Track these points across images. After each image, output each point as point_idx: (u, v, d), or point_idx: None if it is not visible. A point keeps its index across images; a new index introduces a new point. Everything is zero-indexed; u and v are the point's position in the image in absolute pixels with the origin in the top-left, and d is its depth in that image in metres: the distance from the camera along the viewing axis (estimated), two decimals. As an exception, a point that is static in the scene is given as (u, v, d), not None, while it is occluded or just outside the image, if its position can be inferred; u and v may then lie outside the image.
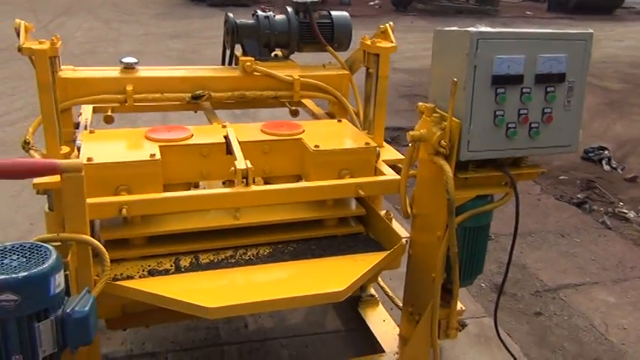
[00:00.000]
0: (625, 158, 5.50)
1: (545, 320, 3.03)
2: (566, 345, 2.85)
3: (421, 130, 2.08)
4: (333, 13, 2.95)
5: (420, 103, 2.15)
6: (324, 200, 2.33)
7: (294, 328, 2.81)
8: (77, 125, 2.60)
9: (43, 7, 13.32)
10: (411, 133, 2.11)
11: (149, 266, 2.07)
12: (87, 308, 1.54)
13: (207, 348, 2.66)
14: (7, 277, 1.41)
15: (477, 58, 1.93)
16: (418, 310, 2.35)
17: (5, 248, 1.53)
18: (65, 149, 2.32)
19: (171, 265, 2.09)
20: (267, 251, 2.21)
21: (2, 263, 1.47)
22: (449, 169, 2.00)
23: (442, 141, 2.01)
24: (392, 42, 2.60)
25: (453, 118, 1.98)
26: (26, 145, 2.35)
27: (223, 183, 2.41)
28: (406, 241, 2.28)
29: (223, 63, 3.05)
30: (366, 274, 2.04)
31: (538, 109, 2.05)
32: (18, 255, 1.51)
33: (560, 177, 4.95)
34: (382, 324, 2.68)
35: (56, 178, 1.98)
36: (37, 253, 1.52)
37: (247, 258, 2.17)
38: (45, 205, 2.29)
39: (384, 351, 2.48)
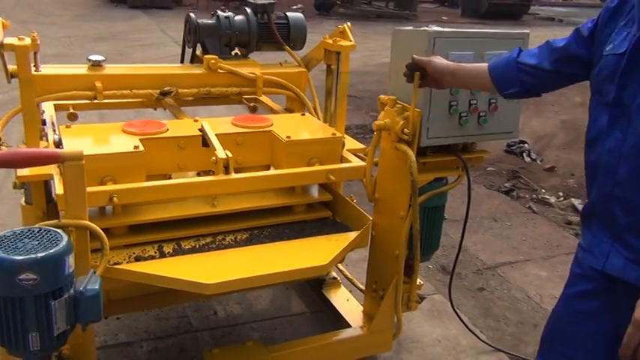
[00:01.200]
0: (542, 151, 6.01)
1: (488, 294, 3.34)
2: (508, 314, 3.16)
3: (385, 120, 2.30)
4: (289, 14, 3.13)
5: (382, 96, 2.36)
6: (294, 188, 2.50)
7: (262, 313, 2.96)
8: (43, 122, 2.62)
9: (-50, 7, 12.63)
10: (376, 122, 2.32)
11: (134, 253, 2.15)
12: (97, 287, 1.64)
13: (181, 335, 2.75)
14: (27, 257, 1.49)
15: (435, 54, 2.17)
16: (382, 286, 2.56)
17: (16, 233, 1.59)
18: (43, 144, 2.35)
19: (155, 252, 2.18)
20: (245, 236, 2.34)
21: (17, 246, 1.54)
22: (412, 154, 2.22)
23: (405, 129, 2.23)
24: (351, 40, 2.81)
25: (415, 108, 2.21)
26: (-3, 142, 2.37)
27: (198, 174, 2.52)
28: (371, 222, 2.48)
29: (182, 61, 3.15)
30: (344, 250, 2.23)
31: (485, 100, 2.30)
32: (30, 238, 1.58)
33: (488, 168, 5.37)
34: (346, 303, 2.87)
35: (41, 170, 2.07)
36: (47, 237, 1.59)
37: (227, 243, 2.29)
38: (21, 199, 2.32)
39: (350, 326, 2.67)
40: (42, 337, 1.55)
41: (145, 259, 2.14)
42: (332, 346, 2.52)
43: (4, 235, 1.57)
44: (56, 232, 1.61)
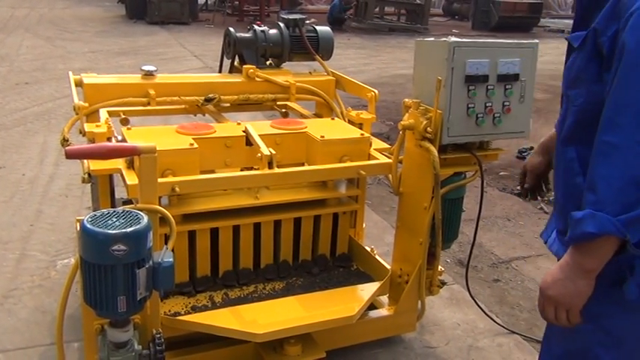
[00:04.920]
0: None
1: (503, 285, 3.60)
2: (522, 302, 3.41)
3: (410, 120, 2.58)
4: (318, 27, 3.44)
5: (406, 100, 2.65)
6: (326, 184, 2.79)
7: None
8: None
9: (-23, 25, 13.12)
10: (401, 122, 2.60)
11: (190, 303, 2.53)
12: (171, 259, 1.93)
13: None
14: (119, 231, 1.78)
15: (454, 62, 2.44)
16: (406, 272, 2.83)
17: (104, 213, 1.88)
18: (108, 143, 2.65)
19: (207, 302, 2.56)
20: (282, 286, 2.72)
21: (107, 223, 1.83)
22: (435, 150, 2.49)
23: (428, 128, 2.51)
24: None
25: (437, 110, 2.48)
26: (65, 142, 2.67)
27: (241, 170, 2.81)
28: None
29: (220, 71, 3.47)
30: (368, 300, 2.60)
31: (499, 102, 2.56)
32: (116, 218, 1.87)
33: (501, 173, 5.63)
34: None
35: (110, 164, 2.36)
36: (130, 216, 1.88)
37: (267, 292, 2.67)
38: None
39: (376, 308, 2.93)
40: (128, 300, 1.83)
41: (200, 309, 2.49)
42: (361, 325, 2.78)
43: (95, 215, 1.86)
44: (137, 212, 1.90)
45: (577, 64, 1.62)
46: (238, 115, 3.96)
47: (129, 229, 1.79)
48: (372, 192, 4.78)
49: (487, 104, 2.54)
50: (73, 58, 10.20)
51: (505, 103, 2.58)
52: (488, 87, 2.52)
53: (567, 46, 1.72)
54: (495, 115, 2.57)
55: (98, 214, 1.88)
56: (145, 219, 1.87)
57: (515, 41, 2.61)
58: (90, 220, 1.82)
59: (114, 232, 1.77)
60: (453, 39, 2.49)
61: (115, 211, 1.90)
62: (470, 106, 2.50)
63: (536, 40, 2.62)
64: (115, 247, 1.77)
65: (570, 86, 1.66)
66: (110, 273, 1.79)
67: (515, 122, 2.65)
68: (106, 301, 1.82)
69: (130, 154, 2.05)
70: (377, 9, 17.43)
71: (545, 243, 1.86)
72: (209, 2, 18.75)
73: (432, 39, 2.61)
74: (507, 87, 2.56)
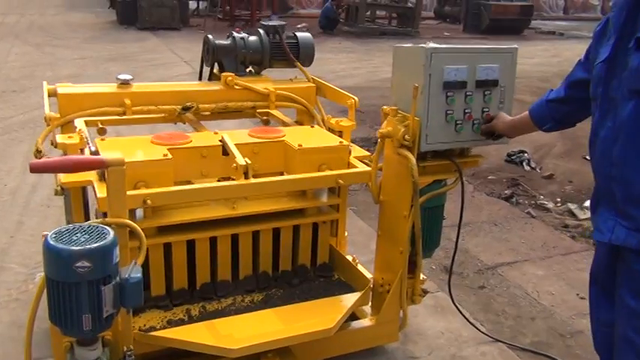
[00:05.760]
0: (542, 160, 6.24)
1: (488, 292, 3.56)
2: (507, 309, 3.37)
3: (388, 128, 2.54)
4: (298, 34, 3.40)
5: (384, 107, 2.61)
6: (305, 193, 2.75)
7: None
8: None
9: (-35, 32, 13.05)
10: (379, 130, 2.57)
11: (166, 317, 2.47)
12: (139, 275, 1.88)
13: None
14: (83, 247, 1.73)
15: (431, 68, 2.41)
16: (388, 281, 2.79)
17: (69, 229, 1.84)
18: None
19: (184, 315, 2.50)
20: (261, 298, 2.67)
21: (72, 239, 1.78)
22: (413, 158, 2.46)
23: (406, 136, 2.47)
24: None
25: (415, 117, 2.45)
26: (38, 154, 2.63)
27: (218, 181, 2.77)
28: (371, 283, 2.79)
29: (200, 78, 3.43)
30: (347, 312, 2.56)
31: (479, 109, 2.53)
32: (82, 233, 1.82)
33: (489, 177, 5.60)
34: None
35: (82, 176, 2.31)
36: (96, 232, 1.84)
37: (245, 305, 2.62)
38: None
39: (358, 318, 2.89)
40: (93, 318, 1.79)
41: (176, 322, 2.44)
42: (341, 337, 2.74)
43: (60, 231, 1.82)
44: (104, 227, 1.86)
45: None
46: (224, 123, 3.93)
47: (93, 245, 1.75)
48: (358, 198, 4.75)
49: (466, 111, 2.52)
50: (62, 65, 10.14)
51: (484, 110, 2.55)
52: (467, 93, 2.49)
53: (637, 44, 1.75)
54: (475, 121, 2.55)
55: (63, 230, 1.83)
56: (111, 234, 1.83)
57: (494, 46, 2.58)
58: (54, 236, 1.78)
59: (77, 248, 1.73)
60: (431, 45, 2.47)
61: (81, 226, 1.86)
62: (448, 112, 2.48)
63: (515, 46, 2.58)
64: (79, 264, 1.72)
65: None
66: (74, 291, 1.75)
67: (496, 128, 2.62)
68: (70, 320, 1.78)
69: (97, 166, 2.01)
70: (368, 13, 17.43)
71: (609, 241, 1.88)
72: (200, 7, 18.71)
73: (410, 45, 2.58)
74: (486, 93, 2.54)
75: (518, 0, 18.94)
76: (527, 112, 2.37)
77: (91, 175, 2.33)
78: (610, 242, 1.88)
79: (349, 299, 2.68)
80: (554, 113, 2.25)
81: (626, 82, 1.78)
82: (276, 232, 2.75)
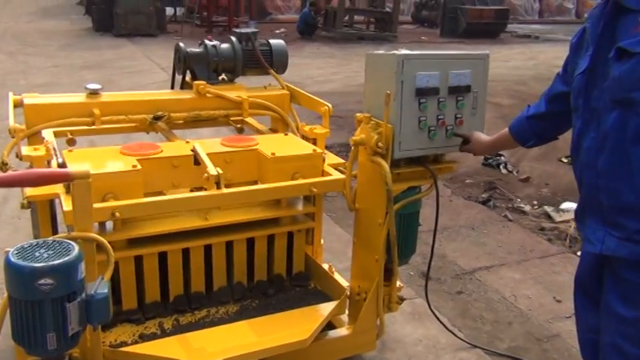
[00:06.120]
0: (518, 163, 6.28)
1: (466, 297, 3.55)
2: (485, 314, 3.37)
3: (361, 136, 2.52)
4: (271, 41, 3.37)
5: (357, 114, 2.59)
6: (280, 201, 2.72)
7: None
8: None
9: (-63, 40, 12.80)
10: (352, 138, 2.55)
11: (138, 331, 2.41)
12: (106, 290, 1.83)
13: None
14: (46, 264, 1.68)
15: (403, 75, 2.39)
16: (364, 289, 2.76)
17: (32, 244, 1.78)
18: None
19: (156, 329, 2.44)
20: (236, 309, 2.63)
21: (34, 255, 1.73)
22: (386, 166, 2.44)
23: (379, 143, 2.45)
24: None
25: (387, 124, 2.43)
26: (4, 166, 2.56)
27: (190, 191, 2.72)
28: (348, 291, 2.76)
29: (172, 87, 3.38)
30: (322, 322, 2.54)
31: (452, 115, 2.52)
32: (45, 249, 1.77)
33: (467, 181, 5.62)
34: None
35: (48, 190, 2.25)
36: (60, 247, 1.78)
37: (220, 316, 2.57)
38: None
39: (335, 327, 2.86)
40: (58, 336, 1.73)
41: (148, 337, 2.39)
42: (318, 347, 2.70)
43: (22, 247, 1.76)
44: (68, 242, 1.81)
45: None
46: (201, 131, 3.89)
47: (56, 262, 1.70)
48: (336, 205, 4.72)
49: (439, 117, 2.51)
50: (36, 74, 9.98)
51: (457, 115, 2.55)
52: (440, 99, 2.48)
53: (617, 54, 1.75)
54: (448, 127, 2.54)
55: (26, 246, 1.78)
56: (76, 249, 1.78)
57: (465, 52, 2.58)
58: (16, 252, 1.73)
59: (40, 265, 1.68)
60: (403, 51, 2.46)
61: (45, 242, 1.81)
62: (421, 119, 2.47)
63: (487, 52, 2.59)
64: (42, 282, 1.67)
65: (634, 89, 1.71)
66: (37, 309, 1.69)
67: (469, 134, 2.62)
68: (34, 339, 1.72)
69: (61, 180, 1.96)
70: (346, 18, 17.47)
71: (600, 252, 1.87)
72: (177, 14, 18.60)
73: (382, 52, 2.56)
74: (459, 99, 2.53)
75: (494, 4, 19.15)
76: (506, 130, 2.39)
77: (58, 188, 2.27)
78: (601, 253, 1.88)
79: (325, 308, 2.65)
80: (535, 129, 2.28)
81: (608, 92, 1.79)
82: (251, 242, 2.72)
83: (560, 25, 23.08)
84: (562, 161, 6.24)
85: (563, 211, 4.87)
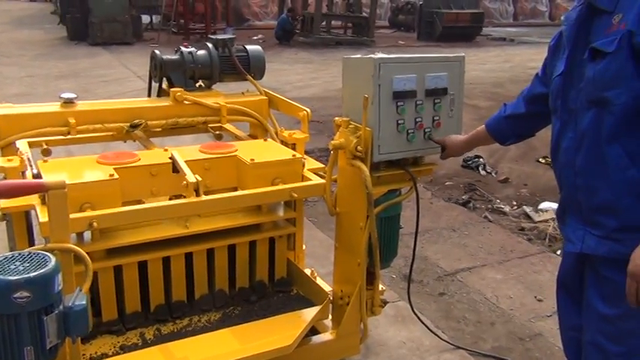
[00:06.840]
0: (497, 164, 6.34)
1: (449, 298, 3.57)
2: (467, 315, 3.39)
3: (340, 140, 2.52)
4: (248, 47, 3.36)
5: (336, 118, 2.59)
6: (260, 207, 2.70)
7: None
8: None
9: None
10: (331, 142, 2.54)
11: (119, 342, 2.37)
12: (84, 302, 1.80)
13: None
14: (21, 277, 1.65)
15: (380, 79, 2.40)
16: (347, 293, 2.76)
17: (7, 257, 1.75)
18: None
19: (138, 339, 2.40)
20: (218, 317, 2.60)
21: (10, 268, 1.69)
22: (366, 169, 2.44)
23: (358, 147, 2.45)
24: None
25: (366, 128, 2.44)
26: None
27: (170, 199, 2.70)
28: (331, 295, 2.74)
29: (149, 95, 3.35)
30: (306, 328, 2.52)
31: (429, 117, 2.53)
32: (21, 261, 1.73)
33: (446, 183, 5.65)
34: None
35: (23, 201, 2.22)
36: (36, 259, 1.75)
37: (202, 325, 2.54)
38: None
39: (318, 332, 2.85)
40: (36, 350, 1.70)
41: (130, 348, 2.35)
42: (302, 352, 2.69)
43: (-3, 260, 1.72)
44: (44, 254, 1.77)
45: (614, 66, 1.72)
46: (181, 138, 3.85)
47: (32, 274, 1.66)
48: (318, 209, 4.72)
49: (417, 120, 2.52)
50: (10, 84, 9.84)
51: (435, 118, 2.56)
52: (417, 102, 2.49)
53: (591, 55, 1.78)
54: (426, 130, 2.55)
55: (1, 259, 1.74)
56: (53, 261, 1.74)
57: (442, 55, 2.60)
58: (-10, 265, 1.69)
59: (15, 278, 1.64)
60: (379, 55, 2.46)
61: (20, 254, 1.77)
62: (399, 122, 2.47)
63: (463, 54, 2.60)
64: (17, 295, 1.64)
65: (607, 88, 1.74)
66: (13, 323, 1.66)
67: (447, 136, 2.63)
68: (11, 353, 1.68)
69: (36, 191, 1.93)
70: (323, 23, 17.53)
71: (580, 251, 1.89)
72: (154, 21, 18.49)
73: (359, 56, 2.57)
74: (436, 101, 2.54)
75: (470, 8, 19.38)
76: (482, 127, 2.43)
77: (34, 199, 2.23)
78: (581, 252, 1.90)
79: (308, 314, 2.64)
80: (514, 128, 2.31)
81: (584, 92, 1.82)
82: (232, 249, 2.69)
83: (534, 28, 23.43)
84: (540, 162, 6.32)
85: (541, 210, 4.92)
